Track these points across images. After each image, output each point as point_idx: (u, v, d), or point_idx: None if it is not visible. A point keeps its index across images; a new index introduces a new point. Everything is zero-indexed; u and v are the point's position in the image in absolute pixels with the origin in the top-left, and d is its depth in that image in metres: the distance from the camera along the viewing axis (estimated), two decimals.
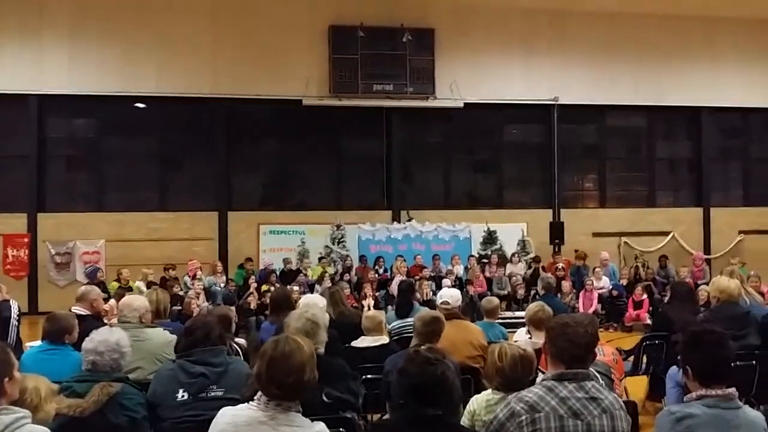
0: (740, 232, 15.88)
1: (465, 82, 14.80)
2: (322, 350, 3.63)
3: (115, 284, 11.12)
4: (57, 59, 13.71)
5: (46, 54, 13.70)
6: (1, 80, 13.45)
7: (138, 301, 4.52)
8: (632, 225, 15.68)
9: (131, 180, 14.50)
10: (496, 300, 6.43)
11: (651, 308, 11.42)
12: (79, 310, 4.97)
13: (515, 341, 4.45)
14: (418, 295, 10.42)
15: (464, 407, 3.50)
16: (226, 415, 2.55)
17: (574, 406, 2.62)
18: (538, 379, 3.09)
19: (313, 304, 4.64)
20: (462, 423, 3.27)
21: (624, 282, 12.73)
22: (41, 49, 13.68)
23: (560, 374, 2.71)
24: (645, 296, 11.72)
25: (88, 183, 14.63)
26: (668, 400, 5.21)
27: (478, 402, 3.34)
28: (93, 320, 4.90)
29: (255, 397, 2.55)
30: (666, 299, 10.83)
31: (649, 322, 10.79)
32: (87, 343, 3.34)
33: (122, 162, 14.51)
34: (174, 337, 4.02)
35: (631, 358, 6.51)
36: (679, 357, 5.18)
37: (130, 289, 9.84)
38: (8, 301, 6.52)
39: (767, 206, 16.23)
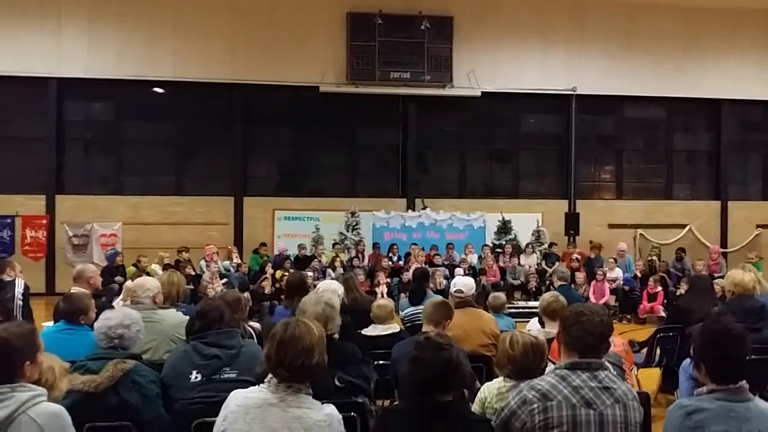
0: (758, 226, 15.70)
1: (483, 71, 14.70)
2: (337, 335, 3.64)
3: (133, 269, 11.24)
4: (76, 43, 13.80)
5: (65, 38, 13.80)
6: (20, 63, 13.58)
7: (150, 282, 4.54)
8: (648, 217, 15.55)
9: (148, 164, 14.62)
10: (502, 296, 6.53)
11: (665, 301, 11.35)
12: (77, 289, 4.99)
13: (528, 330, 4.44)
14: (431, 284, 10.43)
15: (476, 394, 3.51)
16: (236, 397, 2.58)
17: (586, 396, 2.62)
18: (548, 369, 3.09)
19: (332, 290, 4.66)
20: (473, 410, 3.27)
21: (639, 274, 12.66)
22: (60, 33, 13.78)
23: (573, 363, 2.71)
24: (659, 288, 11.63)
25: (106, 166, 14.76)
26: (681, 392, 5.17)
27: (489, 390, 3.34)
28: (94, 298, 4.93)
29: (265, 380, 2.57)
30: (681, 292, 10.81)
31: (663, 314, 10.73)
32: (98, 323, 3.38)
33: (140, 146, 14.63)
34: (187, 318, 4.04)
35: (645, 350, 6.49)
36: (692, 350, 5.17)
37: (147, 274, 9.94)
38: (14, 279, 6.62)
39: None
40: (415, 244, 13.51)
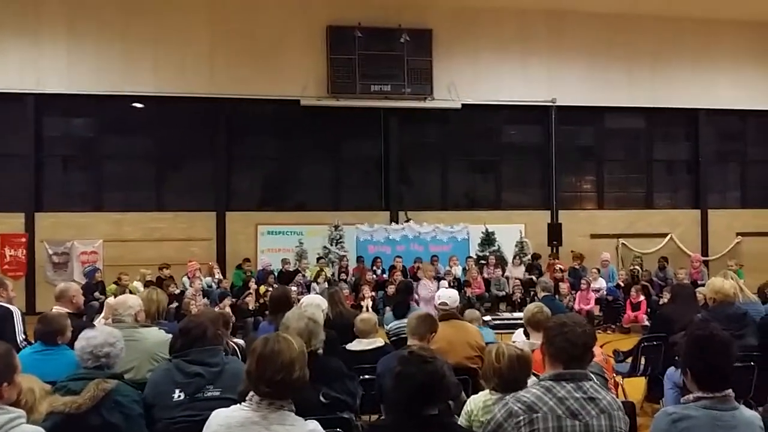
0: (738, 234, 15.89)
1: (463, 83, 14.81)
2: (321, 350, 3.62)
3: (114, 286, 11.11)
4: (55, 58, 13.70)
5: (43, 53, 13.69)
6: None
7: (132, 300, 4.48)
8: (630, 226, 15.68)
9: (129, 180, 14.48)
10: (476, 312, 6.66)
11: (648, 310, 11.43)
12: (60, 308, 4.92)
13: (513, 342, 4.44)
14: (416, 295, 10.43)
15: (462, 407, 3.49)
16: (218, 416, 2.56)
17: (572, 407, 2.62)
18: (530, 381, 3.09)
19: (315, 305, 4.63)
20: (459, 423, 3.26)
21: (622, 284, 12.75)
22: (39, 48, 13.67)
23: (558, 374, 2.71)
24: (642, 298, 11.72)
25: (85, 182, 14.60)
26: (666, 401, 5.21)
27: (475, 402, 3.33)
28: (75, 317, 4.86)
29: (247, 398, 2.55)
30: (664, 300, 10.89)
31: (647, 323, 10.80)
32: (81, 342, 3.33)
33: (120, 162, 14.50)
34: (169, 337, 3.99)
35: (630, 359, 6.52)
36: (677, 357, 5.20)
37: (129, 292, 9.82)
38: (10, 308, 5.32)
39: (764, 208, 16.26)
40: (399, 257, 13.52)
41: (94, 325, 4.45)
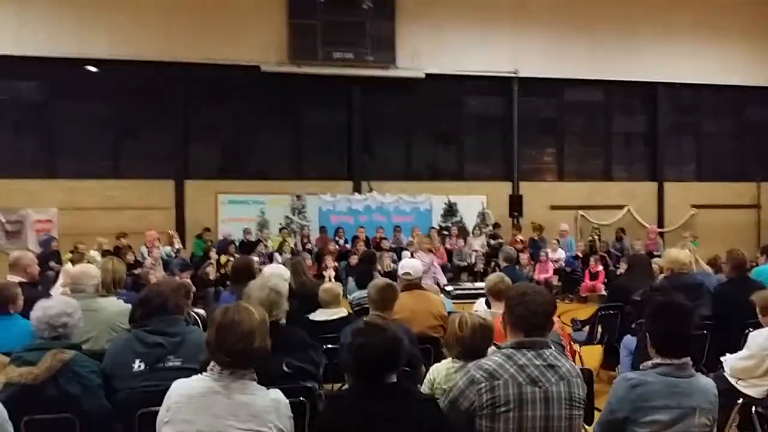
0: (693, 206, 16.30)
1: (426, 52, 14.70)
2: (284, 320, 3.60)
3: (69, 255, 10.85)
4: (4, 19, 13.11)
5: None
6: None
7: (93, 270, 4.41)
8: (589, 198, 15.92)
9: (84, 146, 14.02)
10: (435, 287, 6.58)
11: (606, 280, 11.71)
12: (14, 278, 4.79)
13: (475, 311, 4.49)
14: (379, 266, 10.46)
15: (424, 376, 3.53)
16: (179, 387, 2.53)
17: (532, 374, 2.67)
18: (489, 351, 3.14)
19: (278, 275, 4.59)
20: (422, 391, 3.29)
21: (580, 254, 13.01)
22: None
23: (519, 342, 2.75)
24: (601, 268, 12.00)
25: (38, 148, 14.09)
26: (622, 367, 5.37)
27: (438, 370, 3.36)
28: (30, 287, 4.75)
29: (208, 368, 2.53)
30: (621, 271, 11.16)
31: (604, 293, 11.07)
32: (37, 312, 3.25)
33: (74, 127, 14.01)
34: (129, 307, 3.93)
35: (587, 328, 6.68)
36: (633, 326, 5.35)
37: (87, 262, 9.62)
38: None
39: (719, 181, 16.66)
40: (362, 227, 13.52)
41: (50, 295, 4.37)
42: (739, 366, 4.34)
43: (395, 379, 2.57)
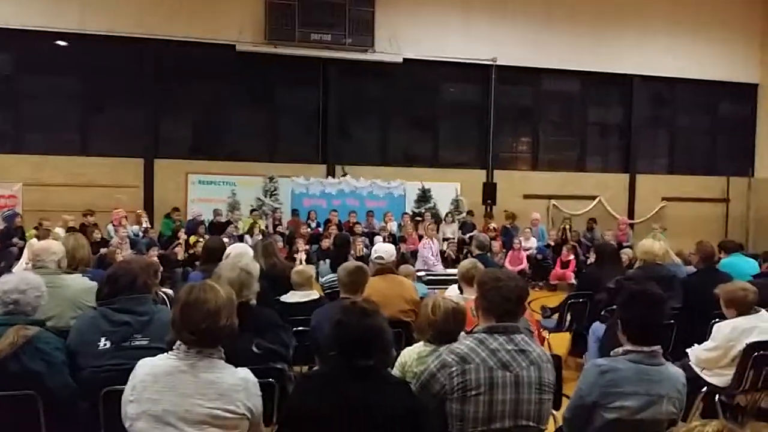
0: (663, 199, 16.54)
1: (405, 36, 14.61)
2: (254, 301, 3.57)
3: (33, 232, 10.61)
4: None
5: None
6: None
7: (56, 246, 4.30)
8: (562, 188, 16.05)
9: (52, 121, 13.70)
10: (411, 268, 6.64)
11: (576, 269, 11.84)
12: None
13: (447, 297, 4.48)
14: (352, 251, 10.45)
15: (394, 361, 3.51)
16: (144, 366, 2.50)
17: (503, 358, 2.68)
18: (462, 335, 3.14)
19: (245, 254, 4.54)
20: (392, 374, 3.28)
21: (551, 243, 13.13)
22: None
23: (491, 327, 2.77)
24: (572, 257, 12.13)
25: (3, 122, 13.72)
26: (589, 354, 5.43)
27: (409, 354, 3.35)
28: None
29: (174, 347, 2.50)
30: (591, 260, 11.29)
31: (573, 281, 11.19)
32: (1, 286, 3.18)
33: (42, 102, 13.64)
34: (94, 284, 3.85)
35: (556, 315, 6.75)
36: (602, 313, 5.41)
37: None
38: None
39: (689, 175, 16.92)
40: (334, 211, 13.46)
41: (11, 271, 4.26)
42: (704, 356, 4.42)
43: (371, 363, 2.55)
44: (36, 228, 10.70)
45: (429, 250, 11.58)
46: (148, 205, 13.61)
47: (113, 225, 11.74)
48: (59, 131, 13.80)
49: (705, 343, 4.46)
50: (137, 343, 3.18)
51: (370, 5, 14.23)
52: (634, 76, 16.32)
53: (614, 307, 4.32)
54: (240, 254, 4.53)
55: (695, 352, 4.49)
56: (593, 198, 16.05)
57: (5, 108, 13.61)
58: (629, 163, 16.74)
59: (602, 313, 5.45)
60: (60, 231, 10.10)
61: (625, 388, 2.75)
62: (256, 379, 2.58)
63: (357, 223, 13.15)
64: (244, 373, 2.55)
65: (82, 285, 4.07)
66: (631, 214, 16.27)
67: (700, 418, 4.33)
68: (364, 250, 10.80)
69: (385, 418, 2.48)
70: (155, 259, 8.67)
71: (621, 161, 16.94)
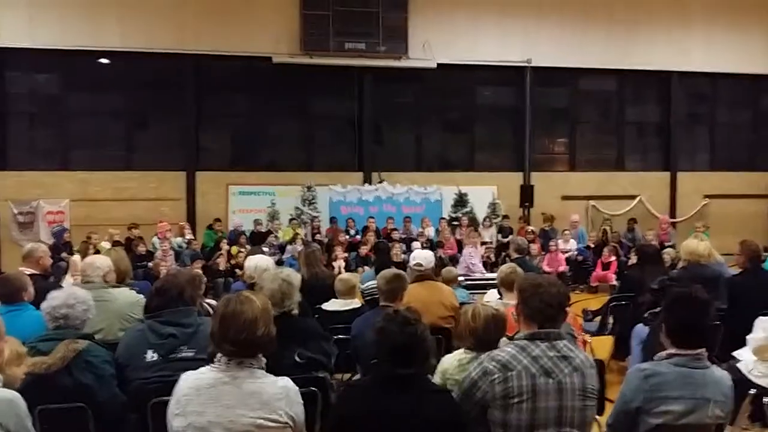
0: (705, 197, 16.15)
1: (438, 42, 14.61)
2: (296, 311, 3.60)
3: (81, 246, 10.92)
4: (16, 11, 13.14)
5: (5, 6, 13.11)
6: None
7: (100, 260, 4.42)
8: (600, 188, 15.81)
9: (96, 138, 14.10)
10: (454, 270, 6.60)
11: (618, 270, 11.64)
12: (26, 269, 4.84)
13: (486, 302, 4.47)
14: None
15: (435, 368, 3.52)
16: (187, 379, 2.53)
17: (546, 365, 2.66)
18: (501, 342, 3.13)
19: (262, 266, 4.63)
20: (434, 382, 3.29)
21: (592, 245, 12.95)
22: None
23: (532, 334, 2.75)
24: (613, 258, 11.94)
25: (51, 140, 14.17)
26: (633, 358, 5.34)
27: (449, 361, 3.35)
28: (41, 279, 4.80)
29: (215, 359, 2.53)
30: (632, 261, 11.09)
31: (615, 283, 11.00)
32: (51, 301, 3.28)
33: (87, 119, 14.07)
34: (141, 297, 3.95)
35: (598, 319, 6.65)
36: (645, 316, 5.31)
37: (96, 251, 9.67)
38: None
39: (731, 171, 16.50)
40: (372, 218, 13.52)
41: (61, 286, 4.40)
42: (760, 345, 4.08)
43: (413, 371, 2.56)
44: (84, 243, 11.02)
45: (474, 258, 11.56)
46: (191, 217, 13.88)
47: (158, 237, 11.98)
48: (103, 147, 14.18)
49: (755, 335, 4.11)
50: (183, 354, 3.25)
51: (402, 12, 14.28)
52: (672, 72, 16.00)
53: (658, 309, 4.22)
54: (254, 265, 4.67)
55: (753, 344, 4.12)
56: (633, 197, 15.76)
57: (53, 126, 14.06)
58: (669, 161, 16.40)
59: (645, 315, 5.35)
60: (106, 245, 10.39)
61: (669, 392, 2.71)
62: (296, 387, 2.60)
63: (394, 229, 13.17)
64: (284, 381, 2.57)
65: (128, 298, 4.18)
66: (672, 213, 15.93)
67: (749, 421, 4.23)
68: (402, 255, 10.81)
69: (427, 426, 2.48)
70: (199, 270, 8.83)
71: (661, 159, 16.61)
